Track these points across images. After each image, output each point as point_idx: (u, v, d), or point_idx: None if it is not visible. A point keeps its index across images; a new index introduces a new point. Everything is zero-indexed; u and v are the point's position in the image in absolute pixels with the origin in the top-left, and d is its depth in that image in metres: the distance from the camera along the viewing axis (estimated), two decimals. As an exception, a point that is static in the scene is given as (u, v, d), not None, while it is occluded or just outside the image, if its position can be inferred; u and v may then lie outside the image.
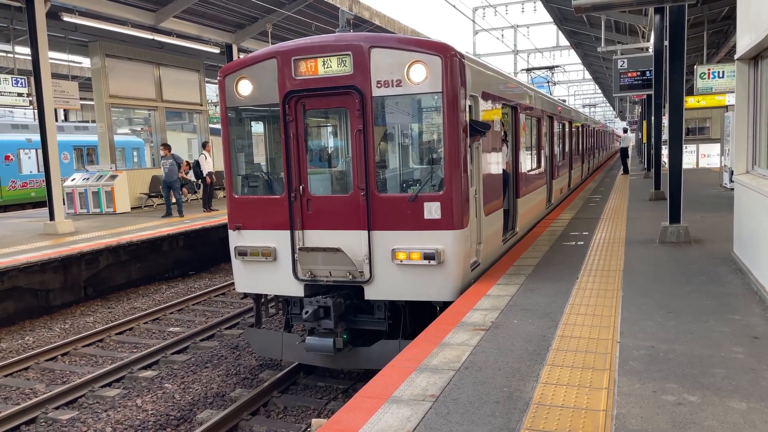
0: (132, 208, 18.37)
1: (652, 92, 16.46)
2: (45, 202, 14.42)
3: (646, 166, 24.93)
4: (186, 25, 17.38)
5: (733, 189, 8.30)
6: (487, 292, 6.68)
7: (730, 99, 19.91)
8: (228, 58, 19.08)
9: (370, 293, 6.83)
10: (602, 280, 7.07)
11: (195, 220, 15.39)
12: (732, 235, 7.99)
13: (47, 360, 8.64)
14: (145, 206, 19.00)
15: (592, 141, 29.19)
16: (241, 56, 14.77)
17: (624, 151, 27.64)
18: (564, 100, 34.97)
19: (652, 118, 16.58)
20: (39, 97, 13.36)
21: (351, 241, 6.78)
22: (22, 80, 15.16)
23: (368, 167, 6.64)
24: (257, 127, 7.95)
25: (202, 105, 21.98)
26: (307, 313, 6.57)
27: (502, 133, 9.03)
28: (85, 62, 22.60)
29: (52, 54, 16.46)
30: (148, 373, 7.99)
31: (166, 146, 16.23)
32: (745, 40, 6.94)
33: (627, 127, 48.69)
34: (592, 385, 4.12)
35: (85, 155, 27.67)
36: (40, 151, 16.56)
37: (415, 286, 6.67)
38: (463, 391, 4.10)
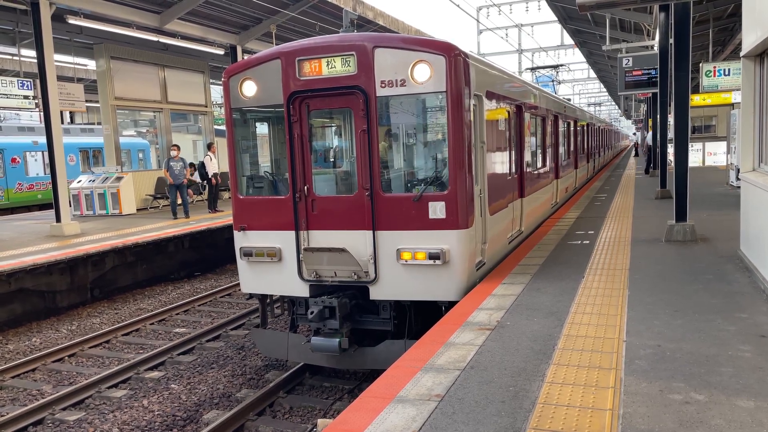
0: (138, 210, 18.43)
1: (658, 90, 16.39)
2: (51, 204, 14.48)
3: (651, 165, 24.82)
4: (190, 27, 17.42)
5: (739, 187, 8.26)
6: (492, 292, 6.67)
7: (736, 96, 19.82)
8: (232, 59, 19.12)
9: (376, 293, 6.82)
10: (608, 279, 7.04)
11: (200, 221, 15.43)
12: (739, 233, 7.95)
13: (54, 361, 8.67)
14: (150, 207, 19.06)
15: (598, 140, 29.10)
16: (246, 57, 14.81)
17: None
18: (569, 99, 34.88)
19: (658, 116, 16.50)
20: (45, 100, 13.43)
21: (356, 241, 6.78)
22: (28, 83, 15.22)
23: (373, 167, 6.64)
24: (262, 128, 7.96)
25: (206, 106, 22.04)
26: (312, 313, 6.57)
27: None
28: (91, 64, 22.69)
29: (57, 56, 16.51)
30: (155, 373, 8.02)
31: (178, 147, 16.23)
32: (750, 37, 6.90)
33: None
34: (598, 384, 4.11)
35: (91, 157, 27.78)
36: (46, 154, 16.67)
37: (420, 286, 6.66)
38: (469, 391, 4.09)
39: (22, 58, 17.82)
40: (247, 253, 7.27)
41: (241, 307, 11.22)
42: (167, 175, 15.68)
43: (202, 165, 17.47)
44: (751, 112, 7.36)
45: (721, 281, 6.70)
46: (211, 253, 14.79)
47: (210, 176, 17.12)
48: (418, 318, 6.94)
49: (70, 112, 32.20)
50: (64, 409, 7.01)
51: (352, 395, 6.97)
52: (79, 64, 22.88)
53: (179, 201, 16.23)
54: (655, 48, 17.27)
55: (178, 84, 20.53)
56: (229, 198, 7.92)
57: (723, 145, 22.94)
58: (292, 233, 7.02)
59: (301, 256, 6.99)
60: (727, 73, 17.20)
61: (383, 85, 6.55)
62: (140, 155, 28.66)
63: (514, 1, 30.38)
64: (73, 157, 26.16)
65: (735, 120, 16.20)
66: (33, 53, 14.75)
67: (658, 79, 16.20)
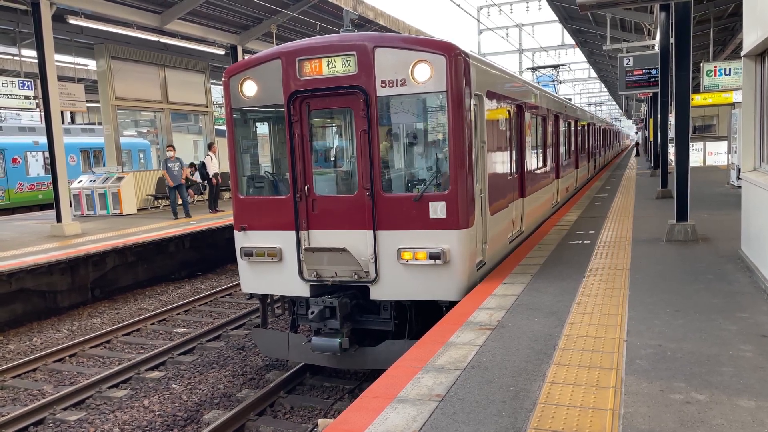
0: (138, 210, 18.43)
1: (659, 90, 16.39)
2: (52, 204, 14.49)
3: (652, 165, 24.84)
4: (191, 27, 17.43)
5: (740, 187, 8.25)
6: (493, 292, 6.67)
7: (737, 96, 19.80)
8: (233, 59, 19.12)
9: (376, 293, 6.82)
10: (609, 278, 7.04)
11: (201, 221, 15.43)
12: (739, 232, 7.94)
13: (55, 361, 8.68)
14: (151, 208, 19.07)
15: (599, 139, 29.09)
16: (246, 57, 14.80)
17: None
18: (570, 99, 34.88)
19: (659, 116, 16.50)
20: (45, 100, 13.44)
21: (356, 241, 6.78)
22: (29, 83, 15.23)
23: (373, 167, 6.64)
24: (262, 128, 7.96)
25: (207, 106, 22.03)
26: (312, 313, 6.57)
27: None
28: (91, 65, 22.68)
29: (58, 56, 16.52)
30: (155, 373, 8.02)
31: (174, 147, 16.26)
32: (751, 37, 6.89)
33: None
34: (599, 384, 4.10)
35: (92, 157, 27.79)
36: (47, 154, 16.67)
37: (420, 286, 6.66)
38: (470, 391, 4.09)
39: (22, 58, 17.82)
40: (248, 253, 7.27)
41: (241, 307, 11.22)
42: (167, 177, 15.68)
43: (203, 165, 17.47)
44: (752, 111, 7.35)
45: (721, 281, 6.69)
46: (211, 253, 14.79)
47: (211, 176, 17.13)
48: (418, 318, 6.94)
49: (71, 112, 32.21)
50: (64, 409, 7.02)
51: (352, 395, 6.97)
52: (79, 64, 22.88)
53: (179, 201, 16.23)
54: (656, 48, 17.26)
55: (178, 84, 20.54)
56: (230, 198, 7.92)
57: (724, 144, 22.92)
58: (293, 233, 7.02)
59: (301, 256, 6.99)
60: (727, 72, 17.18)
61: (384, 84, 6.55)
62: (141, 155, 28.67)
63: (515, 1, 30.41)
64: (74, 157, 26.17)
65: (736, 119, 16.19)
66: (33, 53, 14.75)
67: (659, 78, 16.20)
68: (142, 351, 9.06)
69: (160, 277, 13.59)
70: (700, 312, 5.57)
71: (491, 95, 7.73)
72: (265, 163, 8.12)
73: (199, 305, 11.50)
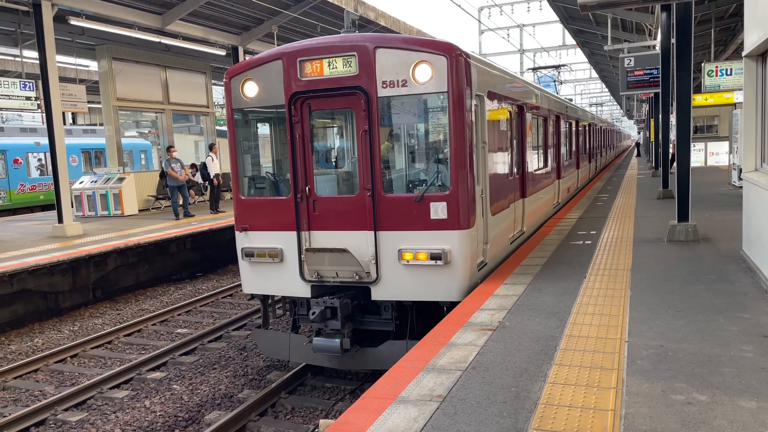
0: (140, 211, 18.45)
1: (660, 90, 16.39)
2: (53, 205, 14.50)
3: (653, 165, 24.84)
4: (192, 28, 17.44)
5: (741, 187, 8.25)
6: (494, 292, 6.66)
7: (738, 96, 19.80)
8: (234, 60, 19.14)
9: (377, 294, 6.82)
10: (610, 279, 7.03)
11: (202, 221, 15.45)
12: (741, 233, 7.93)
13: (56, 362, 8.68)
14: (152, 208, 19.08)
15: (600, 140, 29.08)
16: (247, 58, 14.79)
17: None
18: (571, 99, 34.88)
19: (660, 116, 16.51)
20: (47, 101, 13.45)
21: (357, 241, 6.78)
22: (30, 84, 15.24)
23: (374, 168, 6.64)
24: (263, 129, 7.97)
25: (208, 107, 22.05)
26: (314, 313, 6.58)
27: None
28: (93, 65, 22.72)
29: (59, 57, 16.55)
30: (157, 374, 8.02)
31: (174, 148, 16.32)
32: (752, 37, 6.89)
33: None
34: (600, 384, 4.10)
35: (93, 158, 27.82)
36: (48, 155, 16.69)
37: (421, 287, 6.66)
38: (471, 391, 4.09)
39: (24, 59, 17.84)
40: (249, 254, 7.27)
41: (242, 308, 11.23)
42: (175, 175, 15.70)
43: (204, 166, 17.49)
44: (753, 111, 7.35)
45: (723, 281, 6.68)
46: (212, 254, 14.80)
47: (212, 177, 17.15)
48: (419, 318, 6.94)
49: (72, 113, 32.24)
50: (66, 409, 7.03)
51: (353, 396, 6.97)
52: (81, 65, 22.91)
53: (180, 201, 16.25)
54: (657, 48, 17.27)
55: (179, 85, 20.56)
56: (231, 198, 7.92)
57: (725, 145, 22.93)
58: (294, 234, 7.02)
59: (302, 256, 6.99)
60: (729, 72, 17.19)
61: (384, 85, 6.56)
62: (142, 156, 28.69)
63: (516, 2, 30.40)
64: (75, 158, 26.20)
65: (737, 120, 16.18)
66: (35, 54, 14.79)
67: (660, 78, 16.19)
68: (143, 351, 9.07)
69: (162, 278, 13.60)
70: (702, 312, 5.57)
71: (492, 96, 7.73)
72: (266, 163, 8.12)
73: (201, 306, 11.51)
